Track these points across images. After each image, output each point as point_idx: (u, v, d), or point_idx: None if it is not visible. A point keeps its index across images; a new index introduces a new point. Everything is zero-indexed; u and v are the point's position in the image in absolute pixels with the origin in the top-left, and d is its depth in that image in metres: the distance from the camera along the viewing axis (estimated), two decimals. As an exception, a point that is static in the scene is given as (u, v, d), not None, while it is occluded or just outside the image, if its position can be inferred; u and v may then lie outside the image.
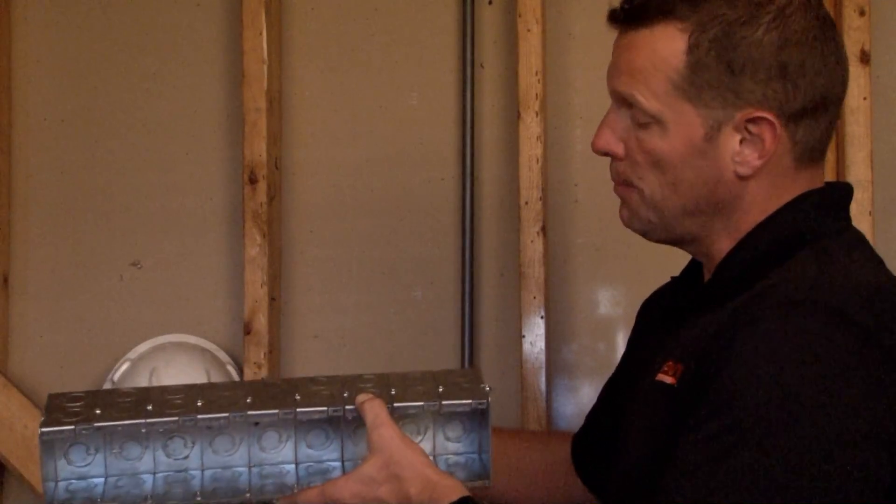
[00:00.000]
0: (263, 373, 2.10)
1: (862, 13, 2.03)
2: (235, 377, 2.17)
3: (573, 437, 1.55)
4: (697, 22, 1.20)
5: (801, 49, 1.20)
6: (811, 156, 1.24)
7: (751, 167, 1.21)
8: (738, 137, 1.21)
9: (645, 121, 1.23)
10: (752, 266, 1.22)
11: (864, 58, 2.03)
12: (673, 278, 1.41)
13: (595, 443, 1.49)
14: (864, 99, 2.03)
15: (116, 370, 2.18)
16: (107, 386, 2.18)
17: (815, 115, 1.22)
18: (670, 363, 1.23)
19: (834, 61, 1.23)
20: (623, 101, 1.25)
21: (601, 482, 1.46)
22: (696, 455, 1.09)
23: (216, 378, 2.12)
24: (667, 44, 1.21)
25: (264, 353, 2.11)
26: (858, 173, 2.01)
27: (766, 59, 1.19)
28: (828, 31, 1.23)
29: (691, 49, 1.19)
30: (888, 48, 2.12)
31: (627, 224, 1.31)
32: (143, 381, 2.10)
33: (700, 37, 1.19)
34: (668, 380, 1.22)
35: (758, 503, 1.06)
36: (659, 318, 1.37)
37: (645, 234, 1.31)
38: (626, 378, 1.42)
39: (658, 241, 1.32)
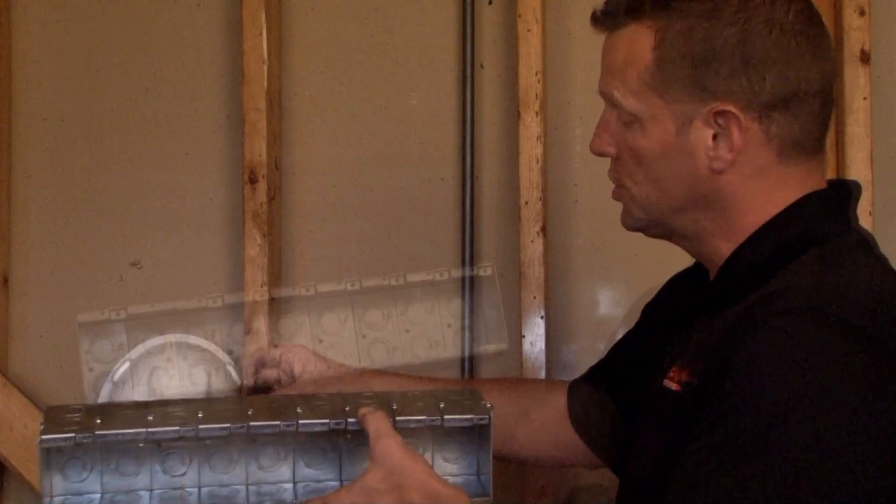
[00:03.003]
0: (263, 373, 2.10)
1: (862, 13, 2.02)
2: (235, 377, 2.16)
3: (569, 388, 1.56)
4: (665, 18, 1.21)
5: (765, 41, 1.19)
6: (797, 150, 1.23)
7: (724, 161, 1.21)
8: (710, 132, 1.21)
9: (627, 119, 1.25)
10: (756, 269, 1.21)
11: (864, 58, 2.03)
12: (690, 268, 1.40)
13: (594, 403, 1.51)
14: (864, 99, 2.03)
15: (116, 370, 2.18)
16: (107, 385, 2.18)
17: (790, 108, 1.20)
18: (675, 368, 1.23)
19: (810, 53, 1.21)
20: (609, 101, 1.27)
21: (599, 441, 1.50)
22: (701, 466, 1.09)
23: (217, 378, 2.12)
24: (637, 42, 1.23)
25: (264, 353, 2.10)
26: (858, 173, 2.01)
27: (728, 52, 1.19)
28: (803, 23, 1.21)
29: (658, 45, 1.21)
30: (888, 48, 2.11)
31: (623, 224, 1.32)
32: (143, 381, 2.10)
33: (666, 33, 1.21)
34: (674, 386, 1.22)
35: None
36: (670, 311, 1.37)
37: (642, 231, 1.32)
38: (637, 365, 1.42)
39: (655, 236, 1.32)
